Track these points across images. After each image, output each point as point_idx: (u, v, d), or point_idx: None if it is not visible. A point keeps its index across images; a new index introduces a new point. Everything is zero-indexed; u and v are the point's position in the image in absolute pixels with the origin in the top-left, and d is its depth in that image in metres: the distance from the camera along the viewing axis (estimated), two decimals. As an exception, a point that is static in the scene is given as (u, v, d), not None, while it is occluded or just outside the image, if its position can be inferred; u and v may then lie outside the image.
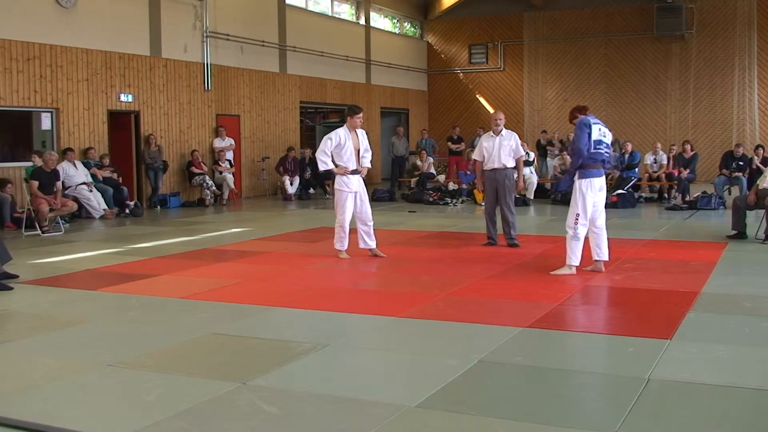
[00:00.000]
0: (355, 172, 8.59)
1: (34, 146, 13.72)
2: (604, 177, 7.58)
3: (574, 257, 7.45)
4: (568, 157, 7.67)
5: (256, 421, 3.75)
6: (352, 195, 8.61)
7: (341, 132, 8.58)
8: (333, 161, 8.58)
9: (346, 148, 8.53)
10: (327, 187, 18.44)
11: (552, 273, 7.48)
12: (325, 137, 8.69)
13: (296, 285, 7.21)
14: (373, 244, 8.77)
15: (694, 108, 22.89)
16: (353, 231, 8.76)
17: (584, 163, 7.34)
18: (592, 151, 7.30)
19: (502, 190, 9.44)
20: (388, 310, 6.01)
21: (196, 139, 16.89)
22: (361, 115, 8.67)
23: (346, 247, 8.70)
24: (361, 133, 8.73)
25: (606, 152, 7.49)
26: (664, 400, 3.96)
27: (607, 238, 7.65)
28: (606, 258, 7.61)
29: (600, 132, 7.38)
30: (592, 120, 7.44)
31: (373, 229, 8.79)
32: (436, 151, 20.82)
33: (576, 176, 7.43)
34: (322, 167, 8.67)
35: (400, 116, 25.08)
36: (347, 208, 8.58)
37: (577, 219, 7.40)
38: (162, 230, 11.89)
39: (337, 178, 8.64)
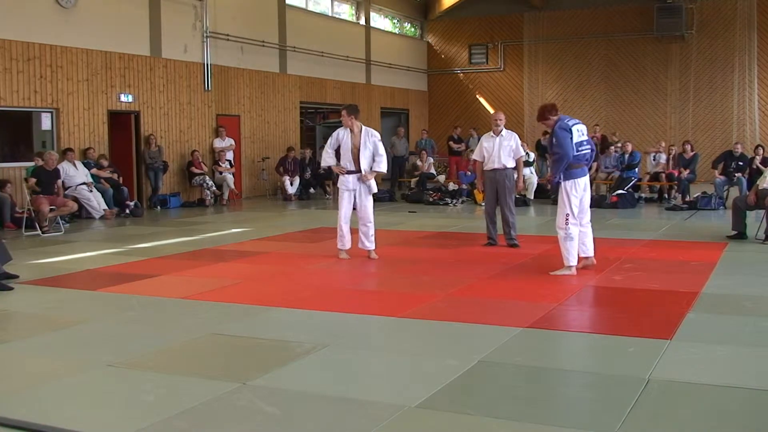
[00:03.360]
0: (351, 172, 8.60)
1: (34, 146, 13.72)
2: (587, 176, 7.68)
3: (572, 258, 7.48)
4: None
5: (256, 421, 3.76)
6: (349, 193, 8.66)
7: (340, 130, 8.70)
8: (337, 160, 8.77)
9: (344, 147, 8.62)
10: (327, 188, 18.47)
11: (552, 273, 7.49)
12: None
13: (296, 285, 7.21)
14: (370, 246, 8.71)
15: (694, 108, 22.89)
16: (355, 231, 8.76)
17: (569, 163, 7.40)
18: (576, 153, 7.39)
19: (502, 190, 9.45)
20: (388, 310, 6.01)
21: (196, 139, 16.88)
22: (343, 113, 8.60)
23: (346, 246, 8.70)
24: (365, 134, 8.60)
25: (588, 149, 7.58)
26: (664, 400, 3.96)
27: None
28: (591, 254, 7.69)
29: (579, 132, 7.45)
30: (570, 122, 7.46)
31: (374, 230, 8.74)
32: (436, 151, 20.82)
33: (561, 177, 7.47)
34: (323, 164, 9.17)
35: (400, 116, 25.06)
36: (343, 206, 8.66)
37: (567, 219, 7.46)
38: (162, 230, 11.88)
39: (339, 176, 8.77)
